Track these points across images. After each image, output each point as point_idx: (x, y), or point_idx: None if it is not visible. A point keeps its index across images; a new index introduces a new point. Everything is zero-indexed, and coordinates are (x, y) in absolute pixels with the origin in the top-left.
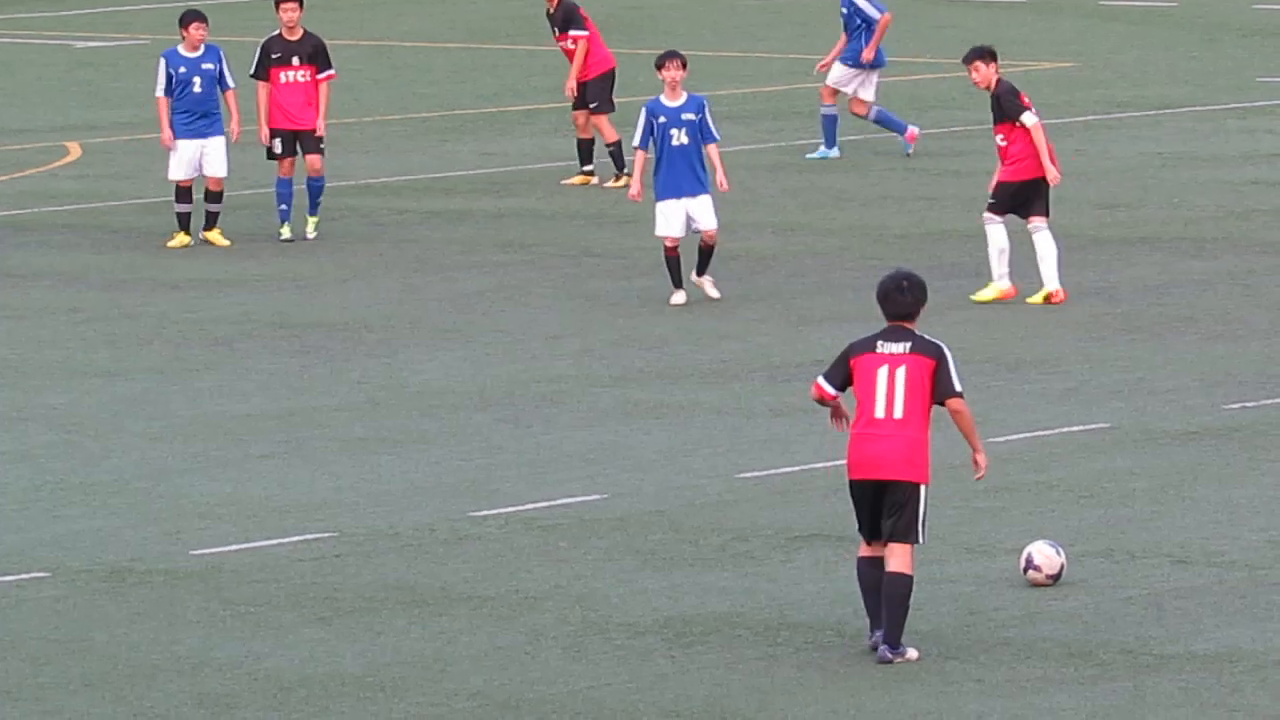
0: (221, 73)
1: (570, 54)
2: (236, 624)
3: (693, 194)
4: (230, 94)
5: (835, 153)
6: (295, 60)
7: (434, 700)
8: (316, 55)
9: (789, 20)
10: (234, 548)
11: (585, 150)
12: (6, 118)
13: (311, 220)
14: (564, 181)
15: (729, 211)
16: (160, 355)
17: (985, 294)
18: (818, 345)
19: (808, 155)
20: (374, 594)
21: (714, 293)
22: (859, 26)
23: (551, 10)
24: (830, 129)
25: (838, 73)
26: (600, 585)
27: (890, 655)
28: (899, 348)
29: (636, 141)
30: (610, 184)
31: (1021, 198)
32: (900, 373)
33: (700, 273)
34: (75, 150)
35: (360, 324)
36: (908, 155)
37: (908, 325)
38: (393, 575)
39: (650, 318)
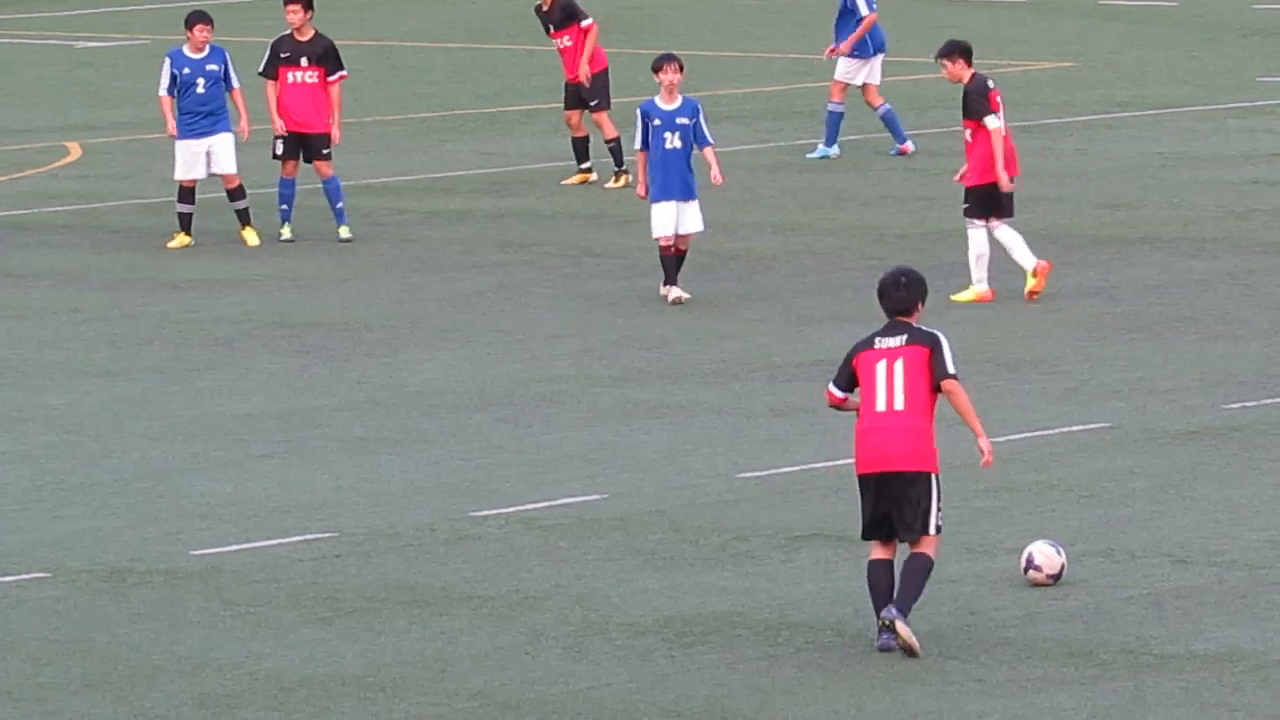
0: (227, 73)
1: (565, 52)
2: (236, 624)
3: (683, 198)
4: (236, 93)
5: (835, 151)
6: (304, 61)
7: (434, 700)
8: (326, 56)
9: (789, 20)
10: (234, 548)
11: (581, 149)
12: (6, 118)
13: (343, 229)
14: (564, 181)
15: (729, 211)
16: (160, 355)
17: (964, 296)
18: (818, 345)
19: (807, 155)
20: (374, 594)
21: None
22: (855, 20)
23: (545, 8)
24: (833, 126)
25: (843, 66)
26: (600, 585)
27: (895, 615)
28: (895, 341)
29: (637, 145)
30: (610, 184)
31: (988, 200)
32: (898, 365)
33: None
34: (75, 150)
35: (360, 324)
36: (892, 155)
37: (906, 320)
38: (393, 575)
39: (650, 318)
